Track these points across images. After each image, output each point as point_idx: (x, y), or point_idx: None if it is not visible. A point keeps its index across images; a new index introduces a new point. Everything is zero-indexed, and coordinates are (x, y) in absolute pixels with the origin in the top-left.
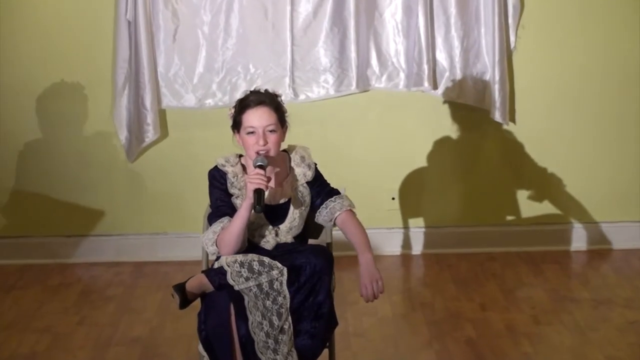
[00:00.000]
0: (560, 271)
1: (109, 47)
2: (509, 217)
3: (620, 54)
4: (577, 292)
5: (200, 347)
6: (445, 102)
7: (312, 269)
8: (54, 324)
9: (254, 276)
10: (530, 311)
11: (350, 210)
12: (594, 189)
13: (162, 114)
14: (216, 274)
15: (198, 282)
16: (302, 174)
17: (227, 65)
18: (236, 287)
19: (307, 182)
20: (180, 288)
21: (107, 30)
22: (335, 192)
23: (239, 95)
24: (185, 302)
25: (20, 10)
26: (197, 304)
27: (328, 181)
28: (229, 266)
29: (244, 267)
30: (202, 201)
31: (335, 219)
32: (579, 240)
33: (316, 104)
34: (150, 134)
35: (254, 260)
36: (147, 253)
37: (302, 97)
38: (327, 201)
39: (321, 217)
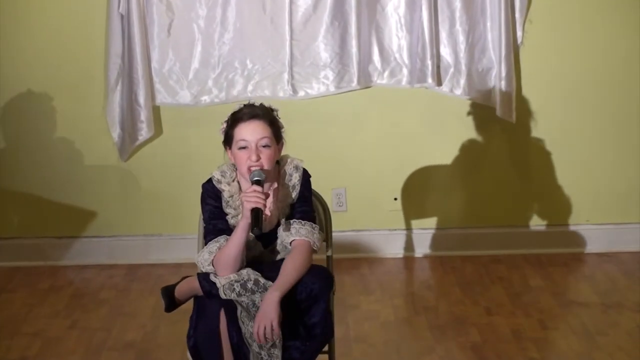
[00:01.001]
0: (568, 274)
1: (101, 42)
2: (516, 219)
3: (631, 50)
4: (586, 295)
5: (189, 355)
6: (449, 99)
7: (308, 293)
8: (45, 328)
9: (247, 294)
10: (537, 315)
11: (306, 242)
12: (603, 189)
13: (156, 111)
14: (208, 282)
15: (189, 286)
16: (287, 194)
17: (224, 61)
18: (226, 297)
19: (291, 204)
20: (167, 292)
21: (99, 24)
22: (307, 217)
23: (236, 91)
24: (171, 306)
25: (9, 6)
26: (191, 306)
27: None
28: (222, 284)
29: (237, 283)
30: (198, 202)
31: (290, 243)
32: (587, 242)
33: (316, 101)
34: (144, 132)
35: (249, 280)
36: (141, 255)
37: (301, 93)
38: (293, 221)
39: (280, 234)
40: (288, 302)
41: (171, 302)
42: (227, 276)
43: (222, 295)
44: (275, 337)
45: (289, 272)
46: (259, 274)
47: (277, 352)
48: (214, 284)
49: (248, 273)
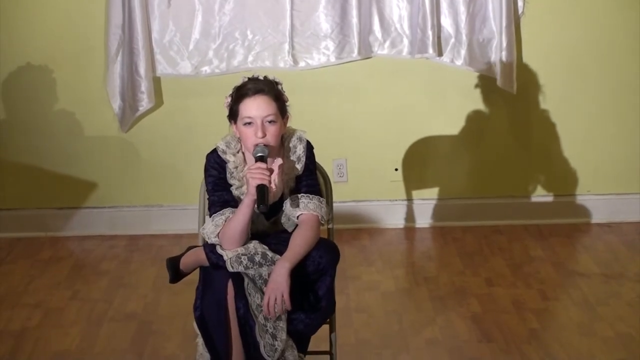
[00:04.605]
0: (569, 245)
1: (101, 13)
2: (516, 189)
3: (632, 20)
4: (587, 266)
5: (195, 326)
6: (450, 69)
7: (316, 266)
8: (46, 299)
9: (255, 267)
10: (537, 286)
11: (315, 216)
12: (604, 159)
13: (156, 82)
14: (215, 254)
15: (195, 257)
16: (292, 167)
17: (224, 31)
18: (233, 270)
19: (296, 176)
20: (172, 263)
21: None
22: (313, 191)
23: (236, 62)
24: (176, 277)
25: None
26: (195, 277)
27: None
28: (229, 257)
29: (245, 256)
30: (198, 172)
31: (297, 217)
32: (588, 212)
33: (316, 72)
34: (145, 103)
35: (257, 254)
36: (142, 226)
37: (301, 64)
38: (301, 195)
39: (286, 208)
40: (295, 275)
41: (176, 273)
42: (235, 249)
43: (229, 268)
44: (286, 308)
45: (299, 244)
46: (266, 247)
47: (283, 325)
48: (221, 256)
49: (255, 246)
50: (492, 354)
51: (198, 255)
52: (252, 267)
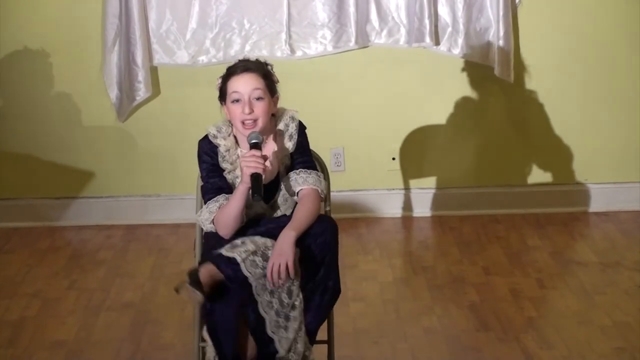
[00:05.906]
0: (566, 233)
1: (98, 2)
2: (514, 178)
3: (629, 7)
4: (584, 255)
5: (205, 333)
6: (447, 58)
7: (320, 247)
8: (43, 289)
9: (266, 263)
10: (535, 275)
11: (315, 190)
12: (601, 148)
13: (153, 71)
14: (227, 265)
15: (207, 273)
16: (285, 145)
17: (221, 21)
18: (252, 280)
19: (290, 154)
20: (195, 279)
21: None
22: (310, 166)
23: (233, 51)
24: (202, 292)
25: None
26: None
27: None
28: (242, 258)
29: (257, 256)
30: (196, 162)
31: (297, 193)
32: (586, 201)
33: (313, 61)
34: (142, 92)
35: (268, 249)
36: (139, 215)
37: (299, 53)
38: (300, 170)
39: (285, 185)
40: (301, 264)
41: (202, 290)
42: (245, 249)
43: (246, 273)
44: (291, 276)
45: (303, 215)
46: (273, 240)
47: (296, 314)
48: (235, 264)
49: (265, 242)
50: (489, 343)
51: (210, 272)
52: (265, 265)
